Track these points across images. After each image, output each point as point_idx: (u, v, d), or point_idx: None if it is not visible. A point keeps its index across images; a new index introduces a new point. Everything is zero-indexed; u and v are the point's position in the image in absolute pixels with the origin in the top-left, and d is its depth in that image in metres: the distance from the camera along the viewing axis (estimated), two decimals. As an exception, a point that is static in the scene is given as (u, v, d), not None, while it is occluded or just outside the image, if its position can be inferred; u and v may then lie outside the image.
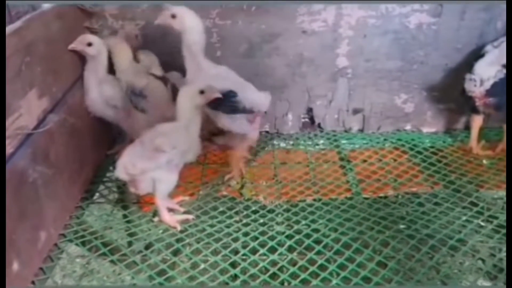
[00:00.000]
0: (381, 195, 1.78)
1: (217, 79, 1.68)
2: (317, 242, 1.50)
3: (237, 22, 1.98)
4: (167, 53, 1.94)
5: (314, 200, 1.74)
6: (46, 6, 1.67)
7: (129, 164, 1.52)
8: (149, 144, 1.52)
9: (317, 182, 1.85)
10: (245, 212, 1.67)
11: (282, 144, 2.14)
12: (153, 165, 1.52)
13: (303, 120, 2.19)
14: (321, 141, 2.17)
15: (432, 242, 1.47)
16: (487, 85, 1.81)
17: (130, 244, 1.55)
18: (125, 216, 1.69)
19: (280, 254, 1.46)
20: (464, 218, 1.61)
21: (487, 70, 1.82)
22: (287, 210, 1.68)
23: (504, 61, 1.81)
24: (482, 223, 1.59)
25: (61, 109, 1.62)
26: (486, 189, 1.77)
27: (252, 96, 1.72)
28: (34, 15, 1.52)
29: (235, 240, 1.52)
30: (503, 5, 1.93)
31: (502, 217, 1.58)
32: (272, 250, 1.47)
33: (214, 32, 1.99)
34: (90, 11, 1.93)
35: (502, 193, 1.74)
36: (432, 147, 2.07)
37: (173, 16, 1.67)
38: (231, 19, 1.97)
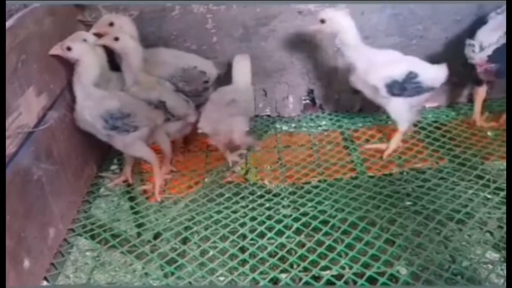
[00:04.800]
0: (386, 173, 1.77)
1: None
2: (324, 223, 1.50)
3: (231, 6, 1.95)
4: (163, 43, 1.94)
5: (319, 181, 1.74)
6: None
7: (209, 117, 1.71)
8: (221, 100, 1.77)
9: (321, 164, 1.85)
10: (251, 197, 1.68)
11: (285, 127, 2.13)
12: (228, 114, 1.75)
13: (304, 102, 2.18)
14: (324, 122, 2.16)
15: (439, 217, 1.47)
16: (489, 51, 1.78)
17: (139, 235, 1.57)
18: (132, 207, 1.70)
19: (288, 237, 1.47)
20: (470, 191, 1.60)
21: (489, 36, 1.78)
22: (293, 193, 1.68)
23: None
24: (489, 196, 1.58)
25: (60, 105, 1.62)
26: (492, 161, 1.76)
27: (431, 72, 1.74)
28: (26, 12, 1.50)
29: (243, 225, 1.53)
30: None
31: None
32: (280, 233, 1.48)
33: (209, 18, 1.96)
34: (83, 4, 1.91)
35: (508, 164, 1.73)
36: (435, 121, 2.06)
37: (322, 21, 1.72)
38: (225, 3, 1.94)
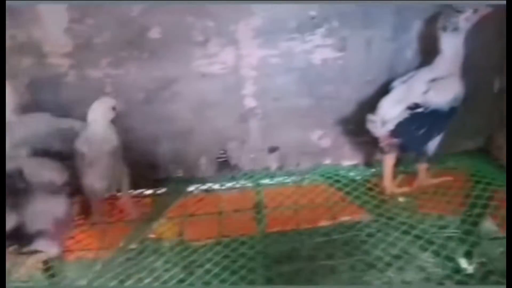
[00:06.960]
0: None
1: None
2: None
3: (129, 70, 1.84)
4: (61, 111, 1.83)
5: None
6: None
7: None
8: None
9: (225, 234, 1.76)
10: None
11: (195, 192, 2.03)
12: None
13: (218, 162, 2.09)
14: (241, 182, 2.07)
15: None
16: (391, 125, 1.71)
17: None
18: None
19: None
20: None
21: (391, 110, 1.72)
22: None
23: (411, 100, 1.70)
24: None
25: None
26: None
27: None
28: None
29: None
30: (411, 34, 1.81)
31: (439, 241, 1.62)
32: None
33: (107, 83, 1.86)
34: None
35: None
36: (354, 180, 1.98)
37: None
38: (123, 67, 1.83)
